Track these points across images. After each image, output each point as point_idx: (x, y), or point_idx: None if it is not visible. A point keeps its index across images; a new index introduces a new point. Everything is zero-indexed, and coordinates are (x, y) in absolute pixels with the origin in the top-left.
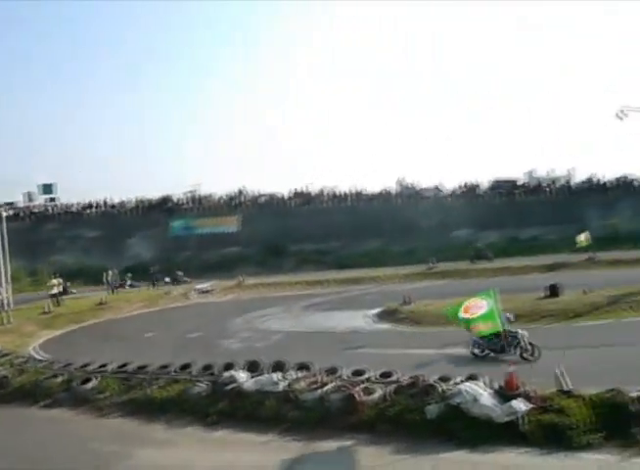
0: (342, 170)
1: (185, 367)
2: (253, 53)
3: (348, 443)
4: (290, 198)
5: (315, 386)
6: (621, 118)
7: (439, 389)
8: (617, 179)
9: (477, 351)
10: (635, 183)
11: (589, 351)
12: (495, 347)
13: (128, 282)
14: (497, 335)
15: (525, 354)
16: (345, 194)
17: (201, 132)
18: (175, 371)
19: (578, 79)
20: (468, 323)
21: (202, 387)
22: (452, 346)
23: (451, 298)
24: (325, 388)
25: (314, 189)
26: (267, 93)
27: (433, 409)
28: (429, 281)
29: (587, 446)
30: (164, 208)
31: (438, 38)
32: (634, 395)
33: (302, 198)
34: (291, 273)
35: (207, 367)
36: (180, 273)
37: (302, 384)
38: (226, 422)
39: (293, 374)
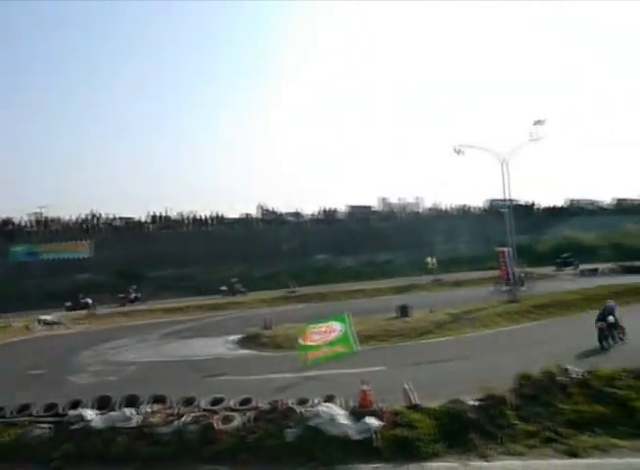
0: (203, 195)
1: (24, 408)
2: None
3: None
4: (148, 222)
5: (171, 418)
6: (459, 153)
7: (298, 411)
8: (458, 208)
9: None
10: (472, 211)
11: (434, 365)
12: None
13: None
14: None
15: None
16: (206, 218)
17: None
18: (12, 413)
19: (422, 117)
20: (309, 349)
21: (43, 429)
22: (311, 369)
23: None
24: (182, 419)
25: (173, 213)
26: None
27: (292, 433)
28: (290, 305)
29: (433, 455)
30: (4, 231)
31: None
32: (471, 403)
33: (161, 222)
34: (149, 300)
35: (51, 407)
36: None
37: (158, 417)
38: (73, 465)
39: (147, 408)
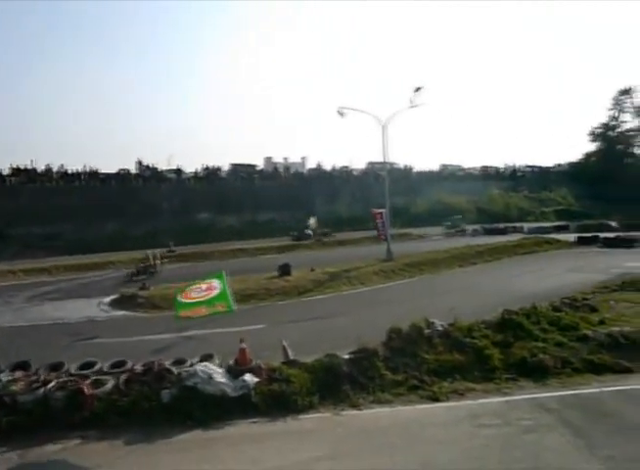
0: (73, 148)
1: None
2: None
3: (74, 442)
4: (9, 175)
5: (36, 385)
6: (342, 115)
7: (175, 372)
8: (341, 170)
9: None
10: (354, 173)
11: (313, 322)
12: None
13: None
14: None
15: None
16: (78, 173)
17: None
18: None
19: (310, 77)
20: (187, 307)
21: None
22: (190, 328)
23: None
24: (48, 386)
25: (40, 166)
26: None
27: (167, 393)
28: (168, 264)
29: (308, 407)
30: None
31: None
32: (345, 357)
33: (26, 175)
34: (13, 260)
35: None
36: None
37: (20, 385)
38: None
39: (7, 376)
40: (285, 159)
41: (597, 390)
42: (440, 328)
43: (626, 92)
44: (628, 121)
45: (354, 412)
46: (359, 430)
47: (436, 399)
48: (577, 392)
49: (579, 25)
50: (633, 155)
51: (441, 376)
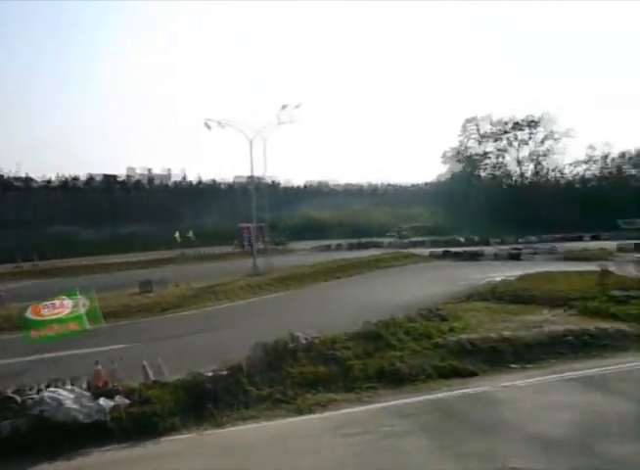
0: None
1: None
2: None
3: None
4: None
5: None
6: (209, 128)
7: (19, 400)
8: (209, 183)
9: None
10: (222, 187)
11: (177, 339)
12: None
13: None
14: None
15: None
16: None
17: None
18: None
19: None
20: (38, 325)
21: None
22: (44, 351)
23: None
24: None
25: None
26: None
27: (8, 425)
28: (33, 280)
29: (170, 429)
30: None
31: None
32: (209, 374)
33: None
34: None
35: None
36: None
37: None
38: None
39: None
40: (149, 170)
41: (447, 394)
42: (305, 341)
43: (472, 120)
44: (474, 147)
45: (219, 431)
46: (223, 449)
47: (301, 412)
48: (430, 397)
49: (439, 52)
50: (479, 177)
51: (305, 389)
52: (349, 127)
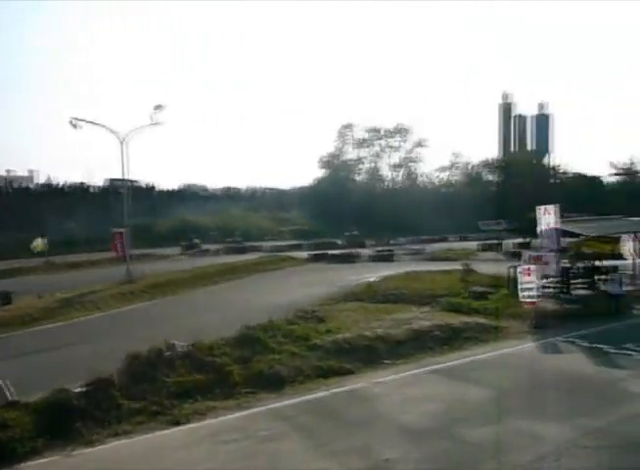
0: None
1: None
2: None
3: None
4: None
5: None
6: (75, 127)
7: None
8: (76, 186)
9: None
10: (91, 190)
11: (39, 355)
12: None
13: None
14: None
15: None
16: None
17: None
18: None
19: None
20: None
21: None
22: None
23: None
24: None
25: None
26: None
27: None
28: None
29: (32, 454)
30: None
31: None
32: (77, 391)
33: None
34: None
35: None
36: None
37: None
38: None
39: None
40: (8, 171)
41: (324, 393)
42: (181, 349)
43: (348, 126)
44: (350, 152)
45: (88, 450)
46: (92, 469)
47: (178, 423)
48: (309, 397)
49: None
50: (354, 181)
51: (183, 398)
52: (228, 130)
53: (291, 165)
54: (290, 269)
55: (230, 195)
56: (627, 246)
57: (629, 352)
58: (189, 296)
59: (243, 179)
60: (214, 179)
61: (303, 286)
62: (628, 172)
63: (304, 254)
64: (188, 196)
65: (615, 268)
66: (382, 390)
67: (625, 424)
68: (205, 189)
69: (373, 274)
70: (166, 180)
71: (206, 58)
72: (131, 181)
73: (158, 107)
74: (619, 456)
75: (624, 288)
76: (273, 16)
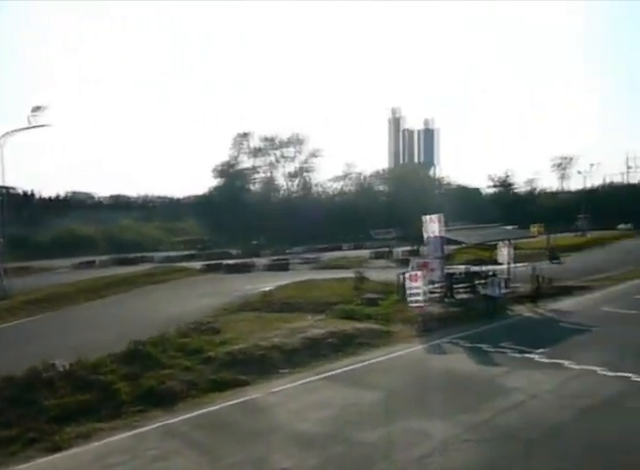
0: None
1: None
2: None
3: None
4: None
5: None
6: None
7: None
8: None
9: None
10: None
11: None
12: None
13: None
14: None
15: None
16: None
17: None
18: None
19: None
20: None
21: None
22: None
23: None
24: None
25: None
26: None
27: None
28: None
29: None
30: None
31: None
32: None
33: None
34: None
35: None
36: None
37: None
38: None
39: None
40: None
41: (219, 406)
42: (62, 369)
43: (244, 135)
44: (245, 161)
45: None
46: None
47: (59, 449)
48: (203, 411)
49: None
50: (250, 190)
51: (65, 421)
52: (118, 135)
53: (185, 173)
54: (183, 281)
55: (119, 203)
56: (503, 252)
57: (505, 351)
58: (72, 311)
59: (134, 187)
60: (103, 187)
61: (198, 297)
62: (503, 184)
63: (199, 264)
64: (73, 204)
65: (493, 273)
66: (277, 399)
67: (502, 417)
68: (91, 197)
69: (268, 284)
70: (50, 187)
71: (92, 59)
72: (6, 188)
73: (37, 108)
74: (498, 447)
75: (501, 291)
76: (163, 18)
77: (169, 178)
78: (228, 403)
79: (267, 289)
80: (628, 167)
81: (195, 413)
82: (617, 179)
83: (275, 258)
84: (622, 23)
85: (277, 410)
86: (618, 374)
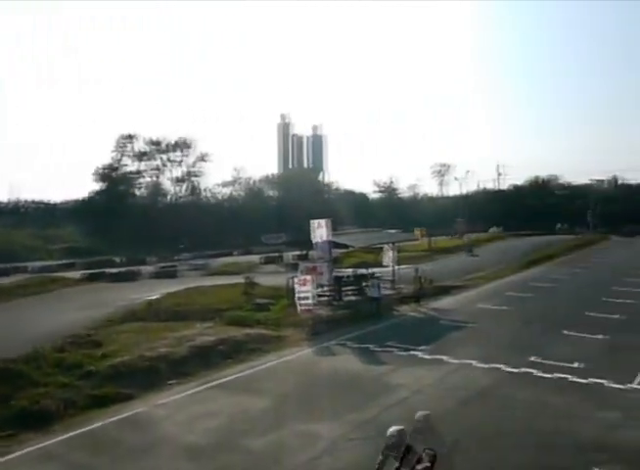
0: None
1: None
2: None
3: None
4: None
5: None
6: None
7: None
8: None
9: None
10: None
11: None
12: None
13: None
14: None
15: None
16: None
17: None
18: None
19: None
20: None
21: None
22: None
23: None
24: None
25: None
26: None
27: None
28: None
29: None
30: None
31: None
32: None
33: None
34: None
35: None
36: None
37: None
38: None
39: None
40: None
41: (102, 423)
42: None
43: (129, 138)
44: (130, 165)
45: None
46: None
47: None
48: (83, 430)
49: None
50: (134, 195)
51: None
52: None
53: (62, 176)
54: (62, 291)
55: None
56: (388, 255)
57: (391, 349)
58: None
59: (2, 191)
60: None
61: (77, 309)
62: (388, 190)
63: (78, 274)
64: None
65: (375, 275)
66: (165, 412)
67: (387, 414)
68: None
69: (155, 292)
70: None
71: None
72: None
73: None
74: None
75: (383, 292)
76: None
77: (45, 182)
78: (110, 420)
79: (154, 297)
80: (499, 174)
81: (73, 433)
82: (490, 185)
83: (162, 265)
84: (495, 39)
85: (164, 423)
86: (492, 366)
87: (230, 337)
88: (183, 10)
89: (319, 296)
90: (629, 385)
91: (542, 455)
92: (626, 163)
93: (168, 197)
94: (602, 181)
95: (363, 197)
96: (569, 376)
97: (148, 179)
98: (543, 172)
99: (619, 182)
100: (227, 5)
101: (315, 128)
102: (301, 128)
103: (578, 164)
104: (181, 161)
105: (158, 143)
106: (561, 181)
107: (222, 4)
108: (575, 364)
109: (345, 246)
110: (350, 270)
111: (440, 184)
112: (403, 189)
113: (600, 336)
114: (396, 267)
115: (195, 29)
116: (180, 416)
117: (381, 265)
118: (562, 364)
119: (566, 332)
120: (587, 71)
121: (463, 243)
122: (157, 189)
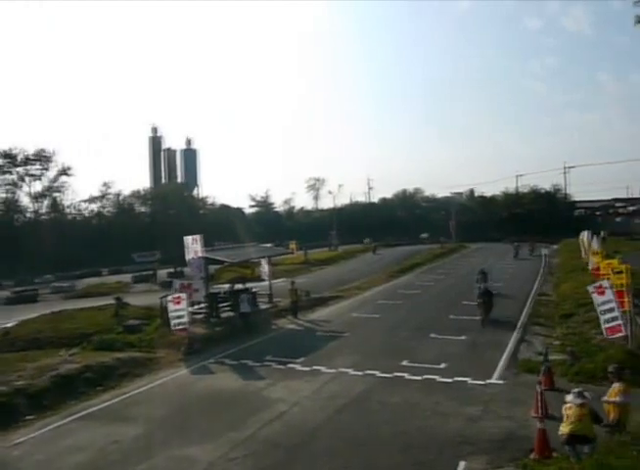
0: None
1: None
2: None
3: None
4: None
5: None
6: None
7: None
8: None
9: None
10: None
11: None
12: None
13: None
14: None
15: None
16: None
17: None
18: None
19: None
20: None
21: None
22: None
23: None
24: None
25: None
26: None
27: None
28: None
29: None
30: None
31: None
32: None
33: None
34: None
35: None
36: None
37: None
38: None
39: None
40: None
41: None
42: None
43: None
44: None
45: None
46: None
47: None
48: None
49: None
50: None
51: None
52: None
53: None
54: None
55: None
56: (264, 269)
57: (269, 364)
58: None
59: None
60: None
61: None
62: (264, 204)
63: None
64: None
65: (253, 290)
66: (22, 451)
67: (266, 429)
68: None
69: (11, 319)
70: None
71: None
72: None
73: None
74: (263, 459)
75: (252, 307)
76: None
77: None
78: None
79: (9, 325)
80: (369, 188)
81: None
82: (361, 199)
83: (20, 289)
84: (370, 54)
85: (21, 464)
86: (366, 372)
87: (98, 363)
88: (46, 13)
89: (194, 313)
90: (488, 381)
91: (412, 454)
92: (482, 176)
93: (27, 214)
94: (461, 194)
95: (239, 211)
96: (436, 377)
97: (2, 195)
98: (410, 186)
99: (476, 194)
100: (97, 12)
101: (189, 141)
102: (174, 141)
103: (441, 177)
104: (41, 175)
105: (13, 156)
106: (426, 194)
107: (87, 12)
108: (442, 365)
109: (221, 261)
110: (227, 286)
111: (315, 198)
112: (279, 203)
113: (463, 337)
114: (273, 281)
115: (59, 34)
116: (41, 455)
117: (258, 280)
118: (430, 366)
119: (433, 335)
120: (446, 95)
121: (338, 254)
122: (12, 205)
